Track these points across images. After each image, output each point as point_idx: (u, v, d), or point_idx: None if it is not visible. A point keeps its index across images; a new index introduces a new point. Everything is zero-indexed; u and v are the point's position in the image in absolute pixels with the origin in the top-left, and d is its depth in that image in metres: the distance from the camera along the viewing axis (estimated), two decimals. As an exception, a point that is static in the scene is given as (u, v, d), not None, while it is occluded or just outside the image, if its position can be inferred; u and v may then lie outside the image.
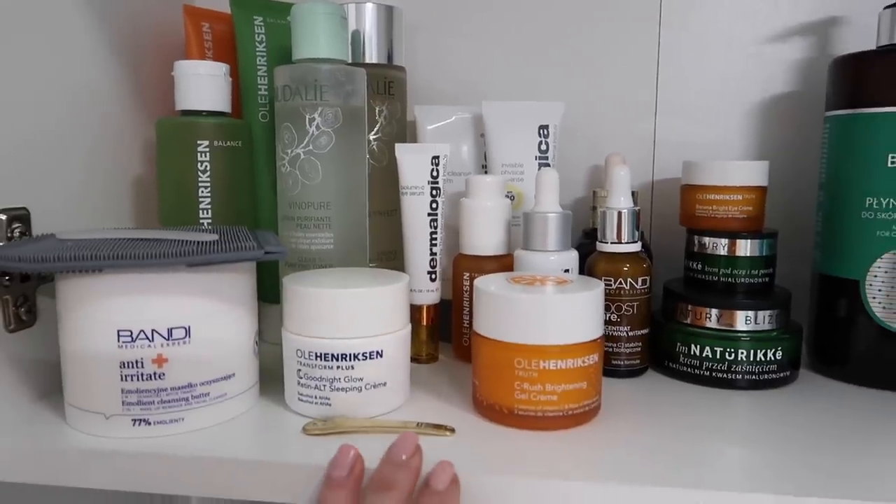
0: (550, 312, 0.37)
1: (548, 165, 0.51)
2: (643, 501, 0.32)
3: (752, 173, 0.47)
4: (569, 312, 0.37)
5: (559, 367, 0.37)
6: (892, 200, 0.43)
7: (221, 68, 0.48)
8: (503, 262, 0.48)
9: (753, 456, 0.35)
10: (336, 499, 0.32)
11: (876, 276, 0.44)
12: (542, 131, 0.51)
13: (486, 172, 0.53)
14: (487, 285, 0.39)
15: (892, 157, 0.42)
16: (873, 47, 0.45)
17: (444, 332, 0.51)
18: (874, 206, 0.43)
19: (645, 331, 0.46)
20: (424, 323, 0.49)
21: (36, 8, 0.42)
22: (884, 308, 0.44)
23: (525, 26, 0.57)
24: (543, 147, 0.51)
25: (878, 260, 0.43)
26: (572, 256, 0.46)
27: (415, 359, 0.49)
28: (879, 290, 0.44)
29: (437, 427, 0.37)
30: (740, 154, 0.54)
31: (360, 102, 0.46)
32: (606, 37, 0.56)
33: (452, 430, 0.37)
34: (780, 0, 0.53)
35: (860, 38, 0.51)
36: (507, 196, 0.50)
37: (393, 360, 0.39)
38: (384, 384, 0.39)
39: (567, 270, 0.45)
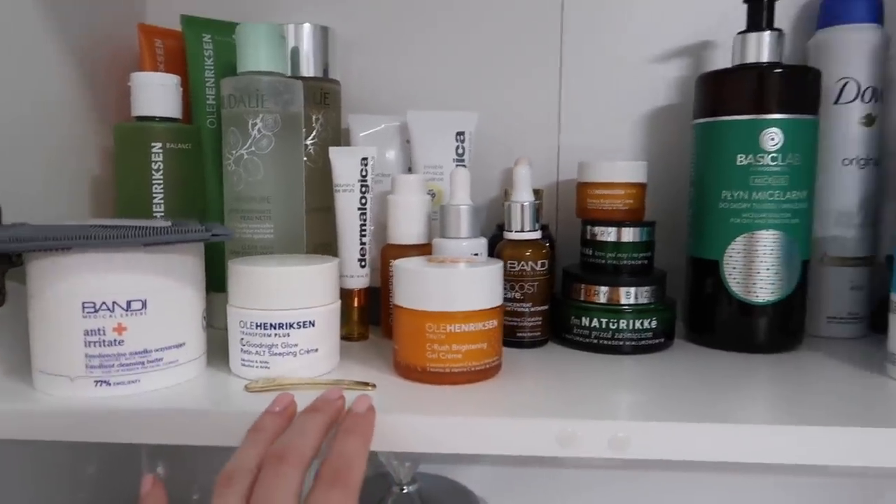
0: (455, 284, 0.44)
1: (464, 166, 0.59)
2: (537, 430, 0.39)
3: (633, 172, 0.55)
4: (470, 284, 0.44)
5: (463, 330, 0.44)
6: (740, 193, 0.51)
7: (173, 79, 0.54)
8: (424, 250, 0.55)
9: (636, 396, 0.43)
10: (267, 422, 0.39)
11: (731, 257, 0.52)
12: (458, 137, 0.59)
13: (410, 173, 0.61)
14: (404, 263, 0.46)
15: (740, 157, 0.51)
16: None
17: (375, 316, 0.57)
18: (728, 198, 0.52)
19: (545, 307, 0.54)
20: (356, 305, 0.56)
21: (3, 25, 0.47)
22: (738, 283, 0.52)
23: (447, 45, 0.65)
24: (460, 151, 0.59)
25: (733, 243, 0.52)
26: (481, 243, 0.53)
27: (347, 337, 0.56)
28: (734, 269, 0.52)
29: (361, 383, 0.44)
30: (629, 156, 0.63)
31: (298, 110, 0.53)
32: (517, 56, 0.64)
33: (374, 386, 0.44)
34: (661, 25, 0.62)
35: (727, 58, 0.60)
36: (428, 193, 0.57)
37: (324, 329, 0.46)
38: (316, 350, 0.45)
39: (476, 254, 0.52)
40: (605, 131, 0.63)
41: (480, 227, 0.54)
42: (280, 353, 0.44)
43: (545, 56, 0.64)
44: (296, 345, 0.44)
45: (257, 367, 0.44)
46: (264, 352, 0.44)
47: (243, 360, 0.45)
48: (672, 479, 0.69)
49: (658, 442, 0.39)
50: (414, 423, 0.40)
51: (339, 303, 0.48)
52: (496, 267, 0.46)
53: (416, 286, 0.45)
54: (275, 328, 0.44)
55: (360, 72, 0.65)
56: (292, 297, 0.44)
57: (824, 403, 0.43)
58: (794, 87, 0.51)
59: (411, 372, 0.45)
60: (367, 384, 0.44)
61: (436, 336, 0.44)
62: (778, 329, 0.53)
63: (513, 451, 0.39)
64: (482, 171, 0.63)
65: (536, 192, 0.60)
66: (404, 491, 0.60)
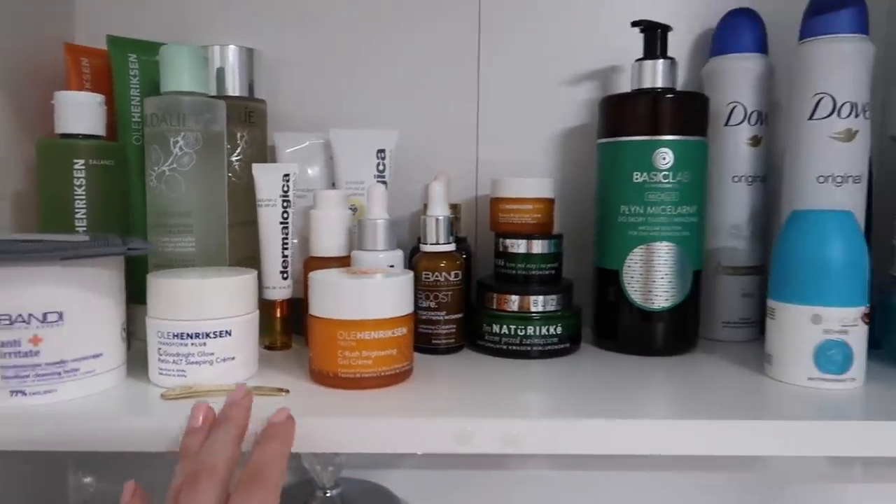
0: (364, 294, 0.47)
1: (384, 183, 0.61)
2: (436, 430, 0.42)
3: (540, 188, 0.59)
4: (378, 294, 0.47)
5: (373, 337, 0.46)
6: (637, 208, 0.55)
7: (97, 98, 0.55)
8: (344, 262, 0.57)
9: (534, 397, 0.47)
10: (192, 442, 0.40)
11: (630, 267, 0.56)
12: (379, 154, 0.62)
13: (334, 188, 0.63)
14: (317, 275, 0.49)
15: (636, 175, 0.55)
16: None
17: (298, 326, 0.59)
18: (626, 213, 0.56)
19: (459, 315, 0.57)
20: (278, 315, 0.58)
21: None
22: (636, 291, 0.56)
23: (371, 66, 0.67)
24: (381, 167, 0.62)
25: (631, 254, 0.56)
26: (398, 255, 0.56)
27: (270, 347, 0.58)
28: (633, 278, 0.56)
29: (275, 389, 0.46)
30: (544, 172, 0.67)
31: (220, 128, 0.55)
32: (438, 77, 0.67)
33: (287, 391, 0.46)
34: (572, 51, 0.67)
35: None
36: (350, 208, 0.60)
37: (240, 338, 0.48)
38: (233, 358, 0.47)
39: (392, 266, 0.55)
40: (520, 149, 0.67)
41: (398, 239, 0.57)
42: (197, 362, 0.46)
43: (464, 78, 0.67)
44: (212, 353, 0.46)
45: (174, 375, 0.46)
46: (181, 361, 0.46)
47: (161, 369, 0.46)
48: (588, 478, 0.72)
49: (549, 438, 0.42)
50: (322, 425, 0.42)
51: (257, 313, 0.50)
52: (405, 278, 0.49)
53: (328, 297, 0.47)
54: (191, 338, 0.46)
55: (286, 91, 0.67)
56: (208, 308, 0.46)
57: (710, 400, 0.47)
58: (684, 111, 0.56)
59: (324, 378, 0.47)
60: (280, 390, 0.46)
61: (347, 343, 0.46)
62: (674, 334, 0.57)
63: (414, 449, 0.42)
64: (405, 187, 0.66)
65: (454, 207, 0.64)
66: (328, 495, 0.61)
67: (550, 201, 0.60)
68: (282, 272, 0.58)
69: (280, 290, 0.58)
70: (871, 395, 0.48)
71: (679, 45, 0.66)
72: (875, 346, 0.55)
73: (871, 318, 0.55)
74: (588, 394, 0.48)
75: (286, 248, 0.58)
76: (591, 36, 0.66)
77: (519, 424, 0.42)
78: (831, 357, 0.48)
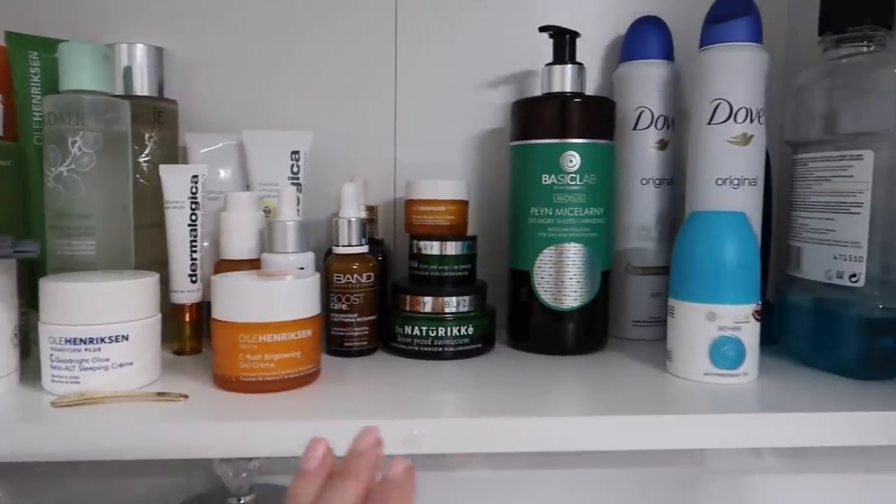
0: (265, 296, 0.46)
1: (299, 185, 0.61)
2: (334, 432, 0.41)
3: (454, 190, 0.60)
4: (281, 296, 0.47)
5: (275, 340, 0.46)
6: (546, 209, 0.56)
7: (-9, 96, 0.53)
8: (256, 265, 0.56)
9: (448, 397, 0.47)
10: (305, 486, 0.33)
11: (540, 268, 0.57)
12: (294, 156, 0.61)
13: (248, 190, 0.62)
14: (220, 278, 0.48)
15: (545, 177, 0.56)
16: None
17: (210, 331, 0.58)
18: (536, 214, 0.57)
19: (372, 317, 0.57)
20: (187, 319, 0.57)
21: None
22: (546, 292, 0.57)
23: (287, 67, 0.67)
24: (295, 169, 0.61)
25: (541, 255, 0.57)
26: (308, 257, 0.55)
27: (180, 352, 0.57)
28: (543, 278, 0.57)
29: (170, 395, 0.45)
30: (460, 174, 0.67)
31: (124, 128, 0.54)
32: (355, 79, 0.67)
33: (186, 396, 0.45)
34: (488, 54, 0.67)
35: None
36: (264, 210, 0.59)
37: (139, 343, 0.46)
38: (131, 364, 0.46)
39: (302, 268, 0.55)
40: (438, 151, 0.68)
41: (316, 242, 0.57)
42: (91, 368, 0.45)
43: (381, 80, 0.67)
44: (107, 359, 0.45)
45: (67, 382, 0.45)
46: (74, 367, 0.45)
47: (53, 376, 0.45)
48: (526, 478, 0.73)
49: (450, 437, 0.42)
50: (217, 430, 0.42)
51: (158, 317, 0.49)
52: (309, 280, 0.49)
53: (229, 299, 0.46)
54: (85, 343, 0.44)
55: (200, 92, 0.66)
56: (103, 312, 0.45)
57: (613, 398, 0.48)
58: (591, 115, 0.57)
59: (227, 382, 0.47)
60: (178, 395, 0.45)
61: (248, 346, 0.46)
62: (584, 333, 0.58)
63: (314, 452, 0.42)
64: (322, 189, 0.65)
65: (370, 209, 0.64)
66: (241, 502, 0.60)
67: (464, 203, 0.61)
68: (191, 275, 0.56)
69: (189, 293, 0.56)
70: (763, 388, 0.50)
71: (594, 50, 0.67)
72: (773, 342, 0.58)
73: (764, 315, 0.57)
74: (495, 393, 0.48)
75: (195, 251, 0.56)
76: (507, 40, 0.67)
77: (420, 424, 0.42)
78: (725, 353, 0.49)
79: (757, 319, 0.50)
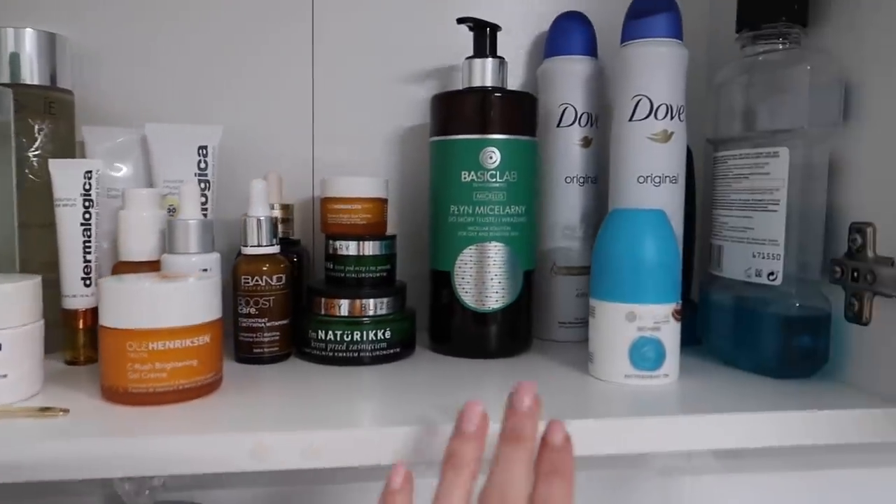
0: (156, 301, 0.43)
1: (207, 182, 0.57)
2: (229, 445, 0.38)
3: (371, 187, 0.57)
4: (173, 300, 0.43)
5: (168, 348, 0.42)
6: (466, 207, 0.54)
7: None
8: (157, 267, 0.52)
9: (358, 405, 0.44)
10: (465, 450, 0.36)
11: (461, 268, 0.55)
12: (201, 151, 0.57)
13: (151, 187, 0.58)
14: (107, 281, 0.44)
15: (464, 174, 0.54)
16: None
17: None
18: (456, 213, 0.55)
19: (284, 322, 0.54)
20: (81, 326, 0.52)
21: None
22: (467, 293, 0.55)
23: (196, 58, 0.63)
24: (203, 165, 0.57)
25: (461, 254, 0.55)
26: (213, 258, 0.52)
27: (73, 362, 0.52)
28: (463, 279, 0.55)
29: (50, 409, 0.41)
30: (382, 172, 0.65)
31: (5, 118, 0.49)
32: (269, 71, 0.64)
33: (66, 411, 0.41)
34: (410, 47, 0.65)
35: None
36: (168, 208, 0.55)
37: (15, 353, 0.42)
38: (5, 376, 0.42)
39: (206, 269, 0.51)
40: (358, 148, 0.65)
41: (230, 243, 0.53)
42: (-43, 382, 0.40)
43: (297, 73, 0.64)
44: (-24, 371, 0.41)
45: (-71, 398, 0.40)
46: (-63, 381, 0.40)
47: (-87, 391, 0.40)
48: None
49: (353, 449, 0.40)
50: (101, 446, 0.38)
51: (39, 323, 0.45)
52: (206, 282, 0.45)
53: (116, 304, 0.43)
54: (-51, 354, 0.40)
55: (100, 82, 0.61)
56: (-29, 320, 0.41)
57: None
58: (512, 111, 0.56)
59: (114, 394, 0.43)
60: (57, 409, 0.41)
61: (137, 355, 0.42)
62: (507, 335, 0.57)
63: (206, 468, 0.38)
64: (237, 186, 0.61)
65: (286, 207, 0.60)
66: (144, 522, 0.56)
67: (383, 201, 0.58)
68: (84, 279, 0.52)
69: (83, 298, 0.52)
70: (684, 390, 0.49)
71: (519, 45, 0.66)
72: (698, 341, 0.57)
73: (688, 315, 0.57)
74: (409, 400, 0.46)
75: (89, 252, 0.52)
76: (429, 33, 0.65)
77: (322, 436, 0.39)
78: (645, 354, 0.48)
79: (676, 319, 0.49)
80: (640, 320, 0.48)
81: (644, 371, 0.49)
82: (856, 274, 0.47)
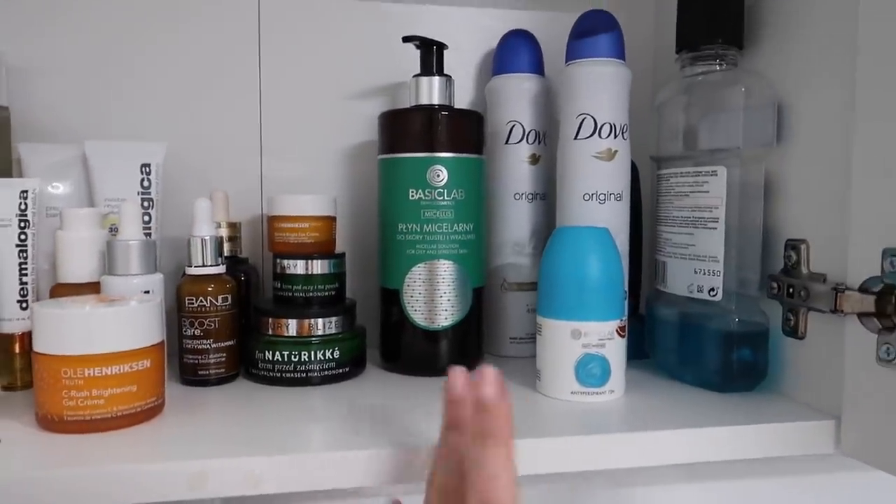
0: (91, 325, 0.42)
1: (151, 201, 0.56)
2: (166, 475, 0.38)
3: (319, 205, 0.57)
4: (111, 324, 0.42)
5: (104, 374, 0.41)
6: (414, 225, 0.55)
7: None
8: (98, 289, 0.51)
9: (306, 428, 0.43)
10: (458, 410, 0.37)
11: (409, 286, 0.55)
12: (144, 169, 0.56)
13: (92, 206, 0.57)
14: (39, 306, 0.43)
15: (412, 192, 0.54)
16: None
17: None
18: (404, 231, 0.55)
19: (231, 342, 0.53)
20: (17, 350, 0.51)
21: None
22: (416, 311, 0.55)
23: (139, 75, 0.62)
24: (146, 183, 0.56)
25: (410, 272, 0.55)
26: (155, 279, 0.51)
27: (9, 387, 0.51)
28: (412, 297, 0.55)
29: (-19, 439, 0.40)
30: (331, 189, 0.64)
31: (-65, 138, 0.48)
32: (214, 88, 0.63)
33: (-3, 441, 0.40)
34: (360, 64, 0.65)
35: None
36: (110, 228, 0.54)
37: (-57, 382, 0.41)
38: (-68, 406, 0.40)
39: (148, 291, 0.50)
40: (307, 164, 0.64)
41: (178, 263, 0.52)
42: None
43: (244, 88, 0.63)
44: None
45: None
46: None
47: None
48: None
49: (298, 476, 0.39)
50: (36, 477, 0.37)
51: (-32, 351, 0.43)
52: (145, 305, 0.44)
53: (50, 329, 0.41)
54: None
55: (38, 98, 0.60)
56: None
57: None
58: (459, 129, 0.56)
59: (49, 423, 0.42)
60: (-12, 441, 0.40)
61: (73, 382, 0.41)
62: (457, 352, 0.57)
63: (143, 498, 0.37)
64: (183, 205, 0.60)
65: (233, 226, 0.60)
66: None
67: (331, 219, 0.58)
68: (20, 301, 0.51)
69: (19, 321, 0.51)
70: (629, 406, 0.49)
71: (467, 63, 0.66)
72: (645, 355, 0.58)
73: (632, 329, 0.58)
74: (354, 421, 0.46)
75: (25, 274, 0.51)
76: (377, 50, 0.65)
77: (262, 463, 0.39)
78: (590, 371, 0.49)
79: (621, 336, 0.50)
80: (585, 337, 0.49)
81: (590, 388, 0.49)
82: (791, 290, 0.48)
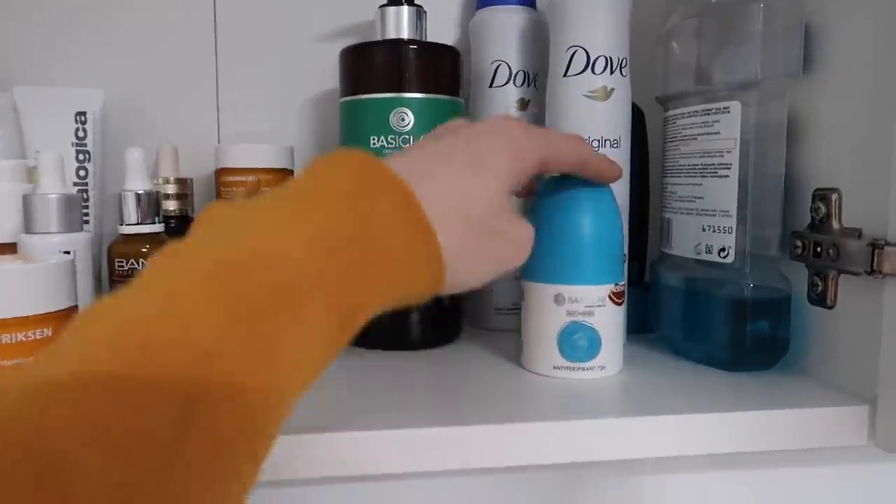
0: (-23, 287, 0.36)
1: (87, 154, 0.50)
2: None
3: (271, 156, 0.50)
4: (7, 286, 0.36)
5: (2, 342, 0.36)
6: (376, 178, 0.47)
7: None
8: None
9: None
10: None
11: (372, 247, 0.48)
12: (79, 118, 0.50)
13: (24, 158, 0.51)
14: (-74, 265, 0.37)
15: (373, 139, 0.47)
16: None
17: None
18: (366, 184, 0.48)
19: (169, 311, 0.47)
20: (-69, 318, 0.45)
21: None
22: (380, 275, 0.48)
23: (74, 13, 0.56)
24: (81, 134, 0.50)
25: (373, 232, 0.48)
26: (80, 238, 0.45)
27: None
28: (375, 260, 0.48)
29: None
30: (295, 141, 0.57)
31: None
32: (162, 31, 0.56)
33: None
34: (324, 3, 0.58)
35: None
36: (40, 183, 0.48)
37: None
38: None
39: (69, 252, 0.44)
40: (268, 116, 0.58)
41: (81, 219, 0.46)
42: None
43: (198, 31, 0.57)
44: None
45: None
46: None
47: None
48: (381, 490, 0.64)
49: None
50: None
51: None
52: (51, 264, 0.38)
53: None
54: None
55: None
56: None
57: (460, 400, 0.40)
58: (429, 66, 0.48)
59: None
60: None
61: (-42, 352, 0.35)
62: (430, 323, 0.50)
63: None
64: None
65: (182, 182, 0.54)
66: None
67: (287, 172, 0.51)
68: (-68, 264, 0.45)
69: (-68, 286, 0.45)
70: (619, 386, 0.42)
71: (451, -2, 0.59)
72: (650, 329, 0.51)
73: (635, 299, 0.50)
74: (306, 405, 0.39)
75: (-63, 234, 0.45)
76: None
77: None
78: (575, 342, 0.41)
79: (616, 303, 0.42)
80: (571, 303, 0.41)
81: (575, 362, 0.42)
82: (818, 249, 0.40)
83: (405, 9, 0.49)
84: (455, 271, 0.30)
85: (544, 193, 0.43)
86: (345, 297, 0.26)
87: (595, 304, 0.42)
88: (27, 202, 0.44)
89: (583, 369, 0.42)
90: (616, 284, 0.43)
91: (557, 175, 0.42)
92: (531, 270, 0.43)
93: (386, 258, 0.27)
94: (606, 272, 0.42)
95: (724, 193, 0.42)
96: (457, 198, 0.30)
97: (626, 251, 0.47)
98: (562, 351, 0.42)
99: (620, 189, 0.48)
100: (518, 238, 0.34)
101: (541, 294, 0.42)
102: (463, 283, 0.32)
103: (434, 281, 0.30)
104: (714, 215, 0.43)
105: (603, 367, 0.42)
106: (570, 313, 0.42)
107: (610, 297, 0.42)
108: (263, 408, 0.23)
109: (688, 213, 0.45)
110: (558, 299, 0.42)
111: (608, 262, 0.42)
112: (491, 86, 0.54)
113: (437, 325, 0.50)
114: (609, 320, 0.42)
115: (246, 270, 0.23)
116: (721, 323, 0.43)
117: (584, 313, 0.42)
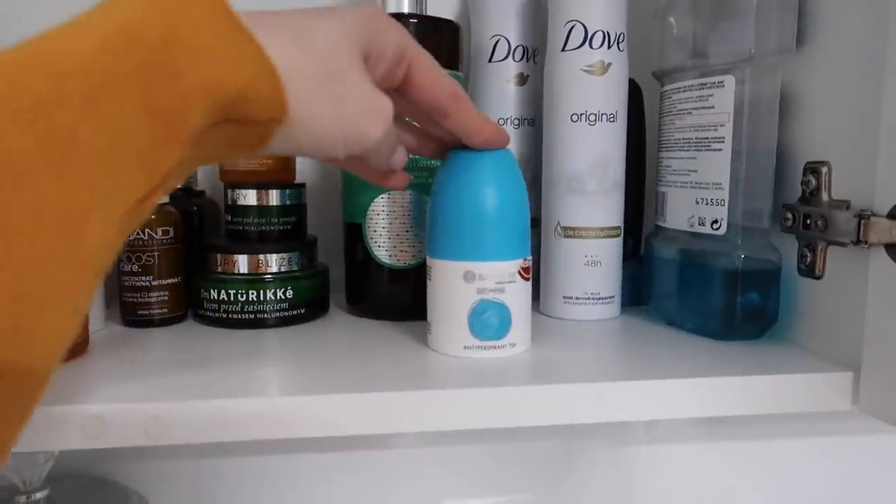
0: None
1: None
2: (68, 419, 0.33)
3: (273, 129, 0.51)
4: None
5: None
6: (376, 151, 0.48)
7: None
8: None
9: (214, 374, 0.38)
10: None
11: (371, 220, 0.49)
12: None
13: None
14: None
15: (373, 113, 0.48)
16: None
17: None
18: (366, 157, 0.49)
19: (174, 280, 0.48)
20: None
21: None
22: (379, 247, 0.49)
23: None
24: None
25: (373, 204, 0.49)
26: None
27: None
28: (375, 232, 0.49)
29: None
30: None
31: None
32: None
33: None
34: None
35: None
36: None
37: None
38: None
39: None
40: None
41: None
42: None
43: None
44: None
45: None
46: None
47: None
48: (357, 458, 0.66)
49: (201, 424, 0.34)
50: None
51: None
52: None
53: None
54: None
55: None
56: None
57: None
58: (428, 39, 0.48)
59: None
60: None
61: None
62: (425, 294, 0.51)
63: (38, 446, 0.33)
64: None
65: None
66: (33, 498, 0.51)
67: (288, 146, 0.52)
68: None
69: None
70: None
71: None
72: (644, 301, 0.52)
73: (633, 271, 0.51)
74: (280, 369, 0.40)
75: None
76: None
77: (165, 409, 0.34)
78: (486, 321, 0.41)
79: (524, 278, 0.42)
80: (481, 280, 0.40)
81: (486, 340, 0.41)
82: (808, 221, 0.41)
83: (405, -17, 0.49)
84: (299, 102, 0.27)
85: (449, 168, 0.41)
86: (154, 99, 0.23)
87: (505, 280, 0.41)
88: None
89: (494, 348, 0.41)
90: (525, 259, 0.42)
91: (462, 149, 0.40)
92: (438, 247, 0.42)
93: (202, 59, 0.24)
94: (516, 247, 0.41)
95: (717, 167, 0.43)
96: (290, 29, 0.28)
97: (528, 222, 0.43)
98: (472, 330, 0.41)
99: (615, 164, 0.49)
100: (374, 101, 0.31)
101: (449, 271, 0.41)
102: (314, 129, 0.29)
103: (273, 98, 0.26)
104: (707, 188, 0.44)
105: (514, 345, 0.42)
106: (480, 291, 0.40)
107: (519, 272, 0.41)
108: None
109: (682, 187, 0.46)
110: (468, 277, 0.40)
111: (517, 236, 0.41)
112: (490, 60, 0.54)
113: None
114: (519, 296, 0.41)
115: (25, 67, 0.21)
116: (713, 293, 0.44)
117: (494, 290, 0.40)
